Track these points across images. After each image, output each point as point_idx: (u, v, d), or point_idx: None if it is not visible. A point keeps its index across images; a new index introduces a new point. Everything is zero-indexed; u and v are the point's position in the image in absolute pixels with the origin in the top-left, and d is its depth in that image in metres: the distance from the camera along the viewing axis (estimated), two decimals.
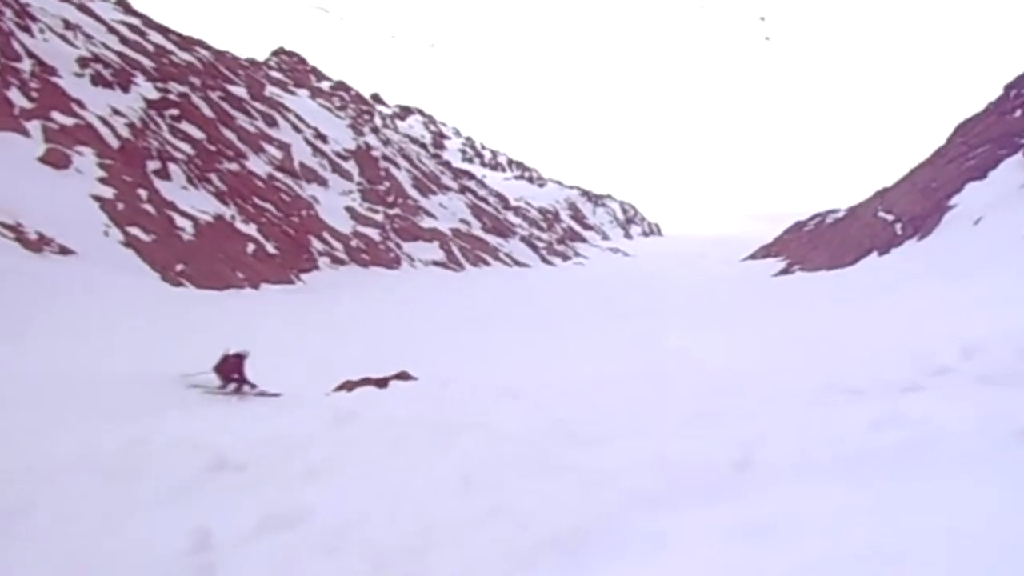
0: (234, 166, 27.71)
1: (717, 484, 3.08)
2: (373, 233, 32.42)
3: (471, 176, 57.01)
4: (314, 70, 58.10)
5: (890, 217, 34.05)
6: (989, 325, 7.76)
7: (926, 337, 7.91)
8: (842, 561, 2.06)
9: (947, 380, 4.56)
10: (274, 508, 3.82)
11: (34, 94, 21.32)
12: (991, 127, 33.53)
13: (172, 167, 23.95)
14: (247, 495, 4.31)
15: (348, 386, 9.97)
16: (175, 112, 26.86)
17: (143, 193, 21.16)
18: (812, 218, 48.69)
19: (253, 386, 10.87)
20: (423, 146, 59.36)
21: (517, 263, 41.59)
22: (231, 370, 10.90)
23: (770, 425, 4.13)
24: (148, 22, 32.74)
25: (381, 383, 9.74)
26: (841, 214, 43.81)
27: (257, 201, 26.97)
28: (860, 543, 2.13)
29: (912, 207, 32.83)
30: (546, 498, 3.41)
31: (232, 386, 10.84)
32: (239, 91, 34.40)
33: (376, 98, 75.55)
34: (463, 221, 42.67)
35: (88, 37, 26.56)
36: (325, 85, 55.63)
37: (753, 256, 48.27)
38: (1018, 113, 32.56)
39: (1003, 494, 2.24)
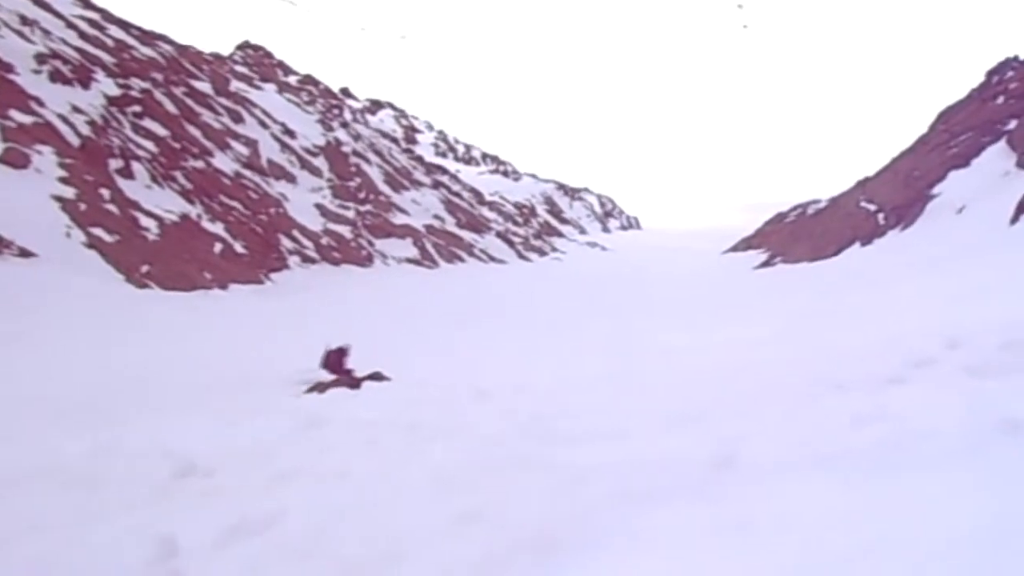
0: (199, 164, 27.17)
1: (699, 482, 3.06)
2: (344, 230, 32.04)
3: (444, 171, 56.66)
4: (281, 64, 57.02)
5: (872, 207, 34.15)
6: (973, 315, 7.86)
7: (910, 328, 7.98)
8: (827, 559, 2.02)
9: (931, 372, 4.58)
10: (243, 514, 3.72)
11: None
12: (973, 114, 33.78)
13: (135, 165, 23.38)
14: (215, 501, 4.21)
15: (320, 387, 9.88)
16: (137, 109, 26.23)
17: (106, 193, 20.61)
18: (793, 209, 48.82)
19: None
20: (395, 141, 58.78)
21: (493, 259, 41.42)
22: (337, 364, 10.88)
23: (753, 421, 4.11)
24: (108, 16, 31.89)
25: (354, 384, 9.66)
26: (823, 204, 43.98)
27: (224, 199, 26.47)
28: (845, 540, 2.09)
29: (894, 196, 32.92)
30: (523, 499, 3.37)
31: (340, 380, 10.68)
32: (203, 86, 33.70)
33: (346, 92, 74.71)
34: (437, 217, 42.41)
35: (46, 32, 25.83)
36: (293, 79, 54.65)
37: (734, 248, 48.39)
38: (1000, 100, 32.87)
39: (988, 487, 2.22)
